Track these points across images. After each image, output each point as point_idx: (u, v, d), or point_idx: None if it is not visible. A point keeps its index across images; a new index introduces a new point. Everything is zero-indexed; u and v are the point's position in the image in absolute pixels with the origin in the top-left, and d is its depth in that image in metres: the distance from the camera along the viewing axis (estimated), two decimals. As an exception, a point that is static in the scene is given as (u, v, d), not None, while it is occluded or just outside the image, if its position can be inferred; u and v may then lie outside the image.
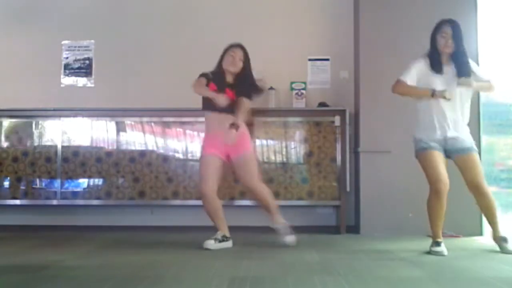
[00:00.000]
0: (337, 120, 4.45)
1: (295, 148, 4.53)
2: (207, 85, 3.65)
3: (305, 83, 4.81)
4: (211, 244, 3.54)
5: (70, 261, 3.12)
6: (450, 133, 3.44)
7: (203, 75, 3.70)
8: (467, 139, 3.46)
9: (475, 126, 4.41)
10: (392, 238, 4.09)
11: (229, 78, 3.74)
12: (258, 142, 4.50)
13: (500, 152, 4.84)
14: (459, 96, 3.45)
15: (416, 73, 3.48)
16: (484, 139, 4.46)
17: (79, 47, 4.99)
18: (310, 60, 4.87)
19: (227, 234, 3.65)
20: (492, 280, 2.62)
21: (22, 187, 4.55)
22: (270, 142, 4.53)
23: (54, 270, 2.84)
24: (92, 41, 4.98)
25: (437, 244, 3.43)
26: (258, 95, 3.84)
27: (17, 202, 4.53)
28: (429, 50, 3.51)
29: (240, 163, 3.67)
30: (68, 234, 4.31)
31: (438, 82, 3.45)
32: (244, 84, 3.71)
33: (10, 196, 4.54)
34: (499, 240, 3.46)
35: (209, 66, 3.77)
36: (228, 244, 3.62)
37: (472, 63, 3.51)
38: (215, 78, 3.70)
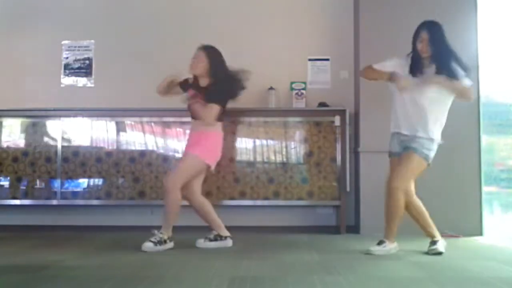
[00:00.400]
0: (337, 120, 4.44)
1: (295, 148, 4.52)
2: (186, 90, 3.73)
3: (305, 83, 4.81)
4: (200, 242, 3.65)
5: (70, 261, 3.12)
6: (405, 131, 3.40)
7: (184, 81, 3.77)
8: (419, 141, 3.33)
9: (475, 126, 4.42)
10: (392, 238, 4.08)
11: (203, 82, 3.68)
12: (258, 142, 4.50)
13: (500, 152, 4.84)
14: (428, 96, 3.33)
15: (390, 67, 3.39)
16: (484, 139, 4.46)
17: (79, 47, 4.99)
18: (310, 60, 4.87)
19: (222, 234, 3.67)
20: (492, 280, 2.62)
21: (22, 187, 4.55)
22: (270, 142, 4.52)
23: (54, 270, 2.84)
24: (92, 41, 4.98)
25: (434, 243, 3.43)
26: (234, 97, 3.67)
27: (17, 202, 4.53)
28: (412, 52, 3.45)
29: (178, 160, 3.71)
30: (68, 234, 4.31)
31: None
32: (213, 89, 3.60)
33: (10, 196, 4.54)
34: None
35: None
36: (225, 243, 3.65)
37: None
38: (193, 84, 3.74)
